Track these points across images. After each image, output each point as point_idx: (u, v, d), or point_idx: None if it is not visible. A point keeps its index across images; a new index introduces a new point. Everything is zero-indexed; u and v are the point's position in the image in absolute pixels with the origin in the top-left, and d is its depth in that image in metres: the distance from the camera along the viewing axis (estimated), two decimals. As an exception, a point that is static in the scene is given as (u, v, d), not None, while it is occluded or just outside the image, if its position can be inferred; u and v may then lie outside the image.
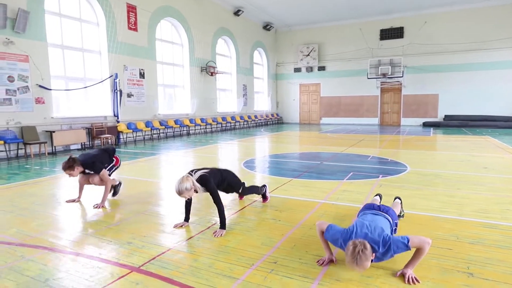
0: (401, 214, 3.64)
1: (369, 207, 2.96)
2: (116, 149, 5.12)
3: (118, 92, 11.76)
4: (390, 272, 2.56)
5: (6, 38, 8.77)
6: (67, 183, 5.69)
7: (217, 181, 3.56)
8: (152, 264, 2.75)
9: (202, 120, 16.21)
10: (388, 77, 19.40)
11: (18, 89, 9.09)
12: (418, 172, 6.26)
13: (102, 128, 11.08)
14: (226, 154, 9.38)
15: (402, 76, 19.20)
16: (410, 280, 2.39)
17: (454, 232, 3.34)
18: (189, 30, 15.35)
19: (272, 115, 23.37)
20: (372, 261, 2.38)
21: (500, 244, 3.04)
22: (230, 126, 18.67)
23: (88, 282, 2.47)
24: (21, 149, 9.05)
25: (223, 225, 3.38)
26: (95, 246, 3.13)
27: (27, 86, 9.29)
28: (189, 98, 15.75)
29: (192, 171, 3.44)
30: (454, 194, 4.69)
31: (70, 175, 4.23)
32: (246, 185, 4.12)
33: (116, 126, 11.68)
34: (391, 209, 2.96)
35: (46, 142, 9.29)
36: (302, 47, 22.68)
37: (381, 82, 20.54)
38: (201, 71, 16.28)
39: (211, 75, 16.71)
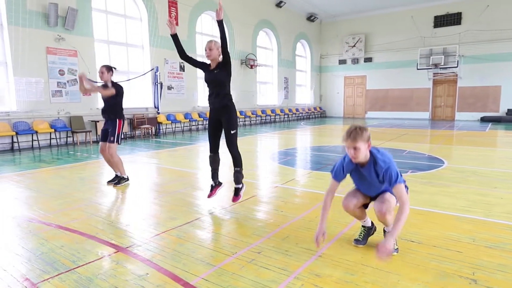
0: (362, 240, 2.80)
1: None
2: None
3: (159, 85, 12.25)
4: (376, 271, 2.34)
5: (58, 35, 9.53)
6: (97, 170, 6.06)
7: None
8: (140, 246, 2.81)
9: (241, 112, 16.33)
10: (441, 68, 17.90)
11: (67, 82, 9.86)
12: (454, 168, 5.69)
13: (143, 119, 11.65)
14: (257, 146, 9.33)
15: (457, 67, 17.61)
16: (382, 251, 2.08)
17: (472, 233, 2.97)
18: (229, 23, 15.47)
19: (315, 108, 22.83)
20: (361, 171, 2.39)
21: (524, 250, 2.63)
22: (270, 119, 18.59)
23: (74, 258, 2.59)
24: (70, 137, 9.84)
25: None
26: (97, 226, 3.27)
27: (76, 79, 10.03)
28: (229, 91, 15.92)
29: None
30: (487, 193, 4.18)
31: (102, 73, 4.62)
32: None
33: (156, 117, 12.21)
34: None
35: (90, 131, 10.00)
36: (348, 38, 21.78)
37: (433, 74, 19.02)
38: (241, 63, 16.37)
39: (251, 67, 16.73)
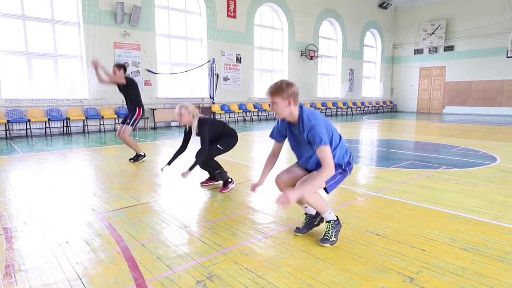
0: (330, 240, 2.42)
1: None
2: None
3: (215, 76, 12.80)
4: (310, 256, 2.21)
5: (124, 31, 10.63)
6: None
7: (216, 130, 3.74)
8: (113, 212, 3.08)
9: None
10: (539, 55, 15.12)
11: (131, 73, 10.95)
12: (503, 167, 4.87)
13: (198, 108, 12.30)
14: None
15: (561, 53, 14.70)
16: (281, 199, 2.08)
17: (458, 234, 2.57)
18: (289, 14, 15.33)
19: (384, 102, 21.31)
20: (291, 129, 2.37)
21: (507, 258, 2.20)
22: (331, 112, 17.97)
23: (57, 216, 2.97)
24: (131, 123, 10.94)
25: (191, 168, 3.55)
26: (94, 194, 3.67)
27: (138, 70, 11.10)
28: (287, 83, 15.83)
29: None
30: (518, 195, 3.52)
31: (114, 72, 5.15)
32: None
33: (210, 107, 12.81)
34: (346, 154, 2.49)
35: (148, 118, 10.98)
36: (426, 25, 19.73)
37: (531, 62, 16.18)
38: (301, 55, 16.10)
39: (311, 59, 16.35)
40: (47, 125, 9.33)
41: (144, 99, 10.97)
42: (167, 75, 12.04)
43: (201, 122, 3.65)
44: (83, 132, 9.99)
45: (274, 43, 15.46)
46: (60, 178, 4.38)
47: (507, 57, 16.08)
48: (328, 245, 2.36)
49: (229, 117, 13.65)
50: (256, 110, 14.17)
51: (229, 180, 3.83)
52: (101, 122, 10.27)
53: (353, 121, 14.02)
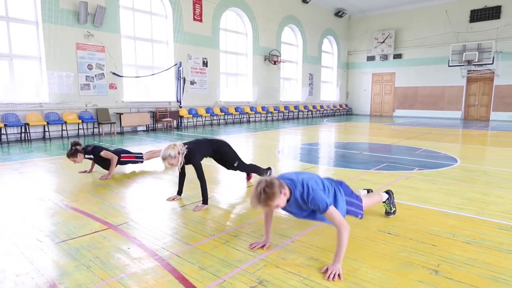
0: (392, 211, 3.22)
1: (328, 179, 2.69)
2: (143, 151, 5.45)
3: (182, 80, 12.64)
4: (342, 257, 2.41)
5: (87, 32, 10.12)
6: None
7: (205, 153, 3.75)
8: (128, 224, 3.04)
9: (263, 108, 16.45)
10: (475, 64, 17.01)
11: (95, 76, 10.45)
12: (465, 167, 5.51)
13: (165, 112, 12.09)
14: (267, 140, 9.43)
15: (492, 63, 16.65)
16: (331, 276, 2.13)
17: (455, 229, 2.93)
18: (253, 20, 15.60)
19: (341, 105, 22.46)
20: (291, 207, 2.37)
21: (502, 248, 2.58)
22: (293, 115, 18.57)
23: (69, 231, 2.86)
24: (96, 128, 10.44)
25: (205, 201, 3.51)
26: (96, 206, 3.55)
27: (103, 73, 10.62)
28: (251, 87, 16.11)
29: (185, 143, 3.62)
30: (489, 193, 4.05)
31: (75, 161, 4.72)
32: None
33: (178, 111, 12.62)
34: (346, 186, 2.72)
35: (115, 123, 10.55)
36: (377, 34, 21.19)
37: (467, 71, 18.11)
38: (265, 60, 16.45)
39: (274, 63, 16.77)
40: (3, 132, 8.59)
41: (110, 103, 10.73)
42: (133, 78, 11.66)
43: (190, 154, 3.49)
44: (44, 138, 9.34)
45: (239, 48, 15.63)
46: (46, 190, 4.14)
47: (448, 66, 17.84)
48: (392, 215, 3.21)
49: (196, 121, 13.55)
50: (223, 113, 14.21)
51: (268, 173, 4.11)
52: (64, 128, 9.67)
53: (316, 124, 14.65)
